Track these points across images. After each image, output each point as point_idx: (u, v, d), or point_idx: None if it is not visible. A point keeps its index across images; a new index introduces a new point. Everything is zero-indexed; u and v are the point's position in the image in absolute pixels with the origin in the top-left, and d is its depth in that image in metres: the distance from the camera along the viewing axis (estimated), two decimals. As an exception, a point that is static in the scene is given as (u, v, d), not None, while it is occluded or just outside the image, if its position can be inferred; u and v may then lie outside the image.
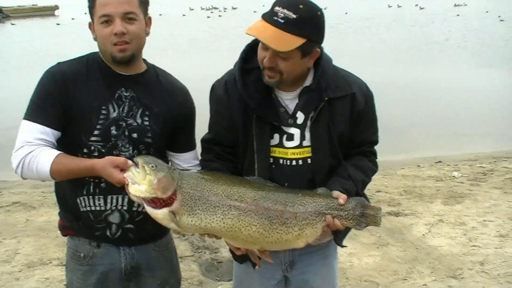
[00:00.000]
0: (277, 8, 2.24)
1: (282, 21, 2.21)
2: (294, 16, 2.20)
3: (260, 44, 2.31)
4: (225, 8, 50.56)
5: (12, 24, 38.51)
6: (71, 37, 26.48)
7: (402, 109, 12.33)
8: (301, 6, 2.22)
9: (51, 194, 2.61)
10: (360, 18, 38.19)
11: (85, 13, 2.45)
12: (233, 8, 50.30)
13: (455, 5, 49.91)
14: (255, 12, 43.05)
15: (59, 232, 2.62)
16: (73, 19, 38.68)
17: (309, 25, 2.25)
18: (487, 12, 39.57)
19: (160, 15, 37.99)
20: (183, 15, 41.11)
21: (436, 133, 10.88)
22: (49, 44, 25.14)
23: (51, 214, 5.99)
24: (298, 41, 2.24)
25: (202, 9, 50.06)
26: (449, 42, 25.64)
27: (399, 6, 48.60)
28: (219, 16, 42.99)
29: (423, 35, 28.16)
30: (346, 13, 41.50)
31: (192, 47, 24.52)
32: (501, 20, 34.48)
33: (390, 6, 49.37)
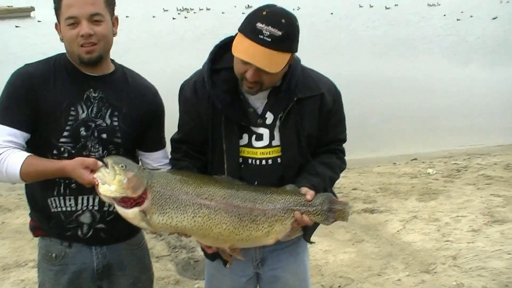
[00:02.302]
0: (260, 25, 2.22)
1: (269, 39, 2.20)
2: (280, 33, 2.20)
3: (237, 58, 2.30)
4: (201, 9, 50.42)
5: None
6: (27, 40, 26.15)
7: (378, 106, 12.46)
8: (283, 21, 2.23)
9: (25, 192, 2.62)
10: (342, 17, 38.45)
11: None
12: (207, 9, 50.16)
13: (428, 5, 50.38)
14: (223, 13, 43.09)
15: (33, 233, 2.62)
16: (39, 21, 38.30)
17: (292, 39, 2.28)
18: (462, 12, 40.03)
19: (127, 17, 37.76)
20: (153, 16, 40.59)
21: (411, 131, 11.01)
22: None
23: (27, 217, 5.86)
24: (286, 58, 2.27)
25: (178, 9, 49.72)
26: (425, 40, 25.91)
27: (371, 6, 48.93)
28: (185, 17, 42.49)
29: (399, 33, 28.42)
30: (332, 14, 41.70)
31: (162, 47, 24.46)
32: (457, 20, 34.83)
33: (362, 6, 49.65)
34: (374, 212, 6.31)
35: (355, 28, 32.18)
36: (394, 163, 8.71)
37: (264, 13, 2.25)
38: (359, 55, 21.05)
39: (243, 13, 36.09)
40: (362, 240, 5.57)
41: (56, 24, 2.41)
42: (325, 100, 2.51)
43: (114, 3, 2.45)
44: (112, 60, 2.54)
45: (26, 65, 2.44)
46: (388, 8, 46.56)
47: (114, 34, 2.46)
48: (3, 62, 18.61)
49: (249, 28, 2.25)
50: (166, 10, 48.81)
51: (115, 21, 2.46)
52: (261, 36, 2.20)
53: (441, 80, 16.07)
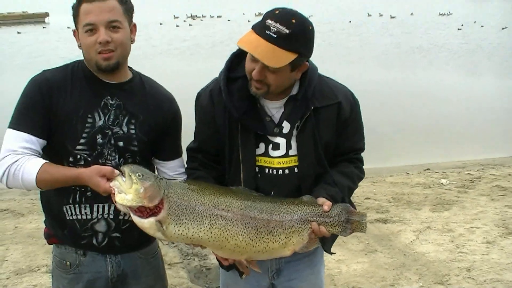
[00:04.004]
0: (269, 21, 2.23)
1: (275, 35, 2.20)
2: (287, 31, 2.20)
3: (248, 55, 2.30)
4: (212, 16, 50.26)
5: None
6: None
7: (391, 116, 12.40)
8: (293, 21, 2.23)
9: (40, 199, 2.61)
10: (353, 26, 38.39)
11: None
12: (218, 17, 49.92)
13: (439, 14, 50.15)
14: (229, 21, 43.01)
15: (46, 239, 2.62)
16: (44, 27, 38.48)
17: (300, 41, 2.26)
18: (474, 22, 39.85)
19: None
20: (160, 23, 40.07)
21: (424, 141, 10.94)
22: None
23: (40, 221, 5.97)
24: (290, 57, 2.25)
25: (188, 17, 49.45)
26: (438, 50, 25.81)
27: (380, 15, 48.71)
28: (189, 25, 41.80)
29: (410, 43, 28.32)
30: (350, 22, 41.59)
31: (174, 55, 24.45)
32: (467, 29, 34.59)
33: (370, 15, 49.40)
34: (387, 222, 6.26)
35: (367, 36, 32.09)
36: (407, 173, 8.65)
37: (277, 12, 2.27)
38: (371, 64, 21.00)
39: (248, 21, 36.00)
40: (375, 250, 5.53)
41: (74, 31, 2.41)
42: (342, 108, 2.49)
43: (133, 10, 2.45)
44: (130, 68, 2.53)
45: (44, 71, 2.44)
46: (393, 17, 46.34)
47: (132, 41, 2.45)
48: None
49: (259, 24, 2.28)
50: (177, 17, 48.54)
51: (133, 28, 2.45)
52: (268, 32, 2.22)
53: (455, 90, 15.99)
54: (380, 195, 7.35)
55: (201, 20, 47.75)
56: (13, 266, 5.10)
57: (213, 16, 50.32)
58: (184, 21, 45.36)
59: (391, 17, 46.57)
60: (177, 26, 39.97)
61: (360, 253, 5.46)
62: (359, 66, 20.19)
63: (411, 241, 5.74)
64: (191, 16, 50.21)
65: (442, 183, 7.89)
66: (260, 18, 2.36)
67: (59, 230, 2.49)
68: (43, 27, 38.86)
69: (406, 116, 12.61)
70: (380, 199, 7.14)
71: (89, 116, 2.38)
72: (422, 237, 5.85)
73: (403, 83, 16.76)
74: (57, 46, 25.62)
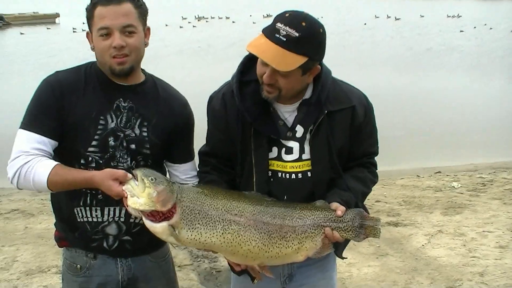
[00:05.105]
0: (279, 24, 2.21)
1: (284, 39, 2.18)
2: (297, 34, 2.17)
3: (259, 59, 2.28)
4: (220, 17, 49.95)
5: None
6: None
7: (401, 119, 12.31)
8: (303, 24, 2.20)
9: (50, 201, 2.60)
10: (364, 28, 38.25)
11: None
12: (227, 18, 49.55)
13: (447, 16, 49.85)
14: (233, 22, 42.86)
15: (57, 241, 2.61)
16: (48, 28, 38.59)
17: (311, 44, 2.23)
18: (485, 24, 39.60)
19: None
20: (166, 25, 39.79)
21: (435, 144, 10.86)
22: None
23: (50, 222, 5.98)
24: (300, 60, 2.22)
25: (196, 18, 49.04)
26: (449, 53, 25.69)
27: (388, 17, 48.43)
28: (193, 26, 41.34)
29: (422, 45, 28.18)
30: (365, 24, 41.40)
31: (184, 56, 24.36)
32: (477, 32, 34.40)
33: (378, 17, 49.05)
34: (398, 226, 6.22)
35: (376, 39, 31.96)
36: (418, 176, 8.61)
37: (287, 15, 2.24)
38: (381, 67, 20.90)
39: (254, 22, 35.80)
40: (386, 253, 5.49)
41: (87, 33, 2.39)
42: (356, 112, 2.46)
43: (147, 13, 2.43)
44: (143, 70, 2.52)
45: (56, 72, 2.43)
46: (398, 19, 46.05)
47: (146, 44, 2.43)
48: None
49: (269, 27, 2.25)
50: (185, 18, 48.11)
51: (147, 31, 2.44)
52: (277, 35, 2.19)
53: (466, 93, 15.92)
54: (391, 198, 7.30)
55: (206, 21, 47.42)
56: (23, 266, 5.11)
57: (221, 18, 50.02)
58: (189, 22, 44.97)
59: (396, 19, 46.27)
60: (180, 27, 39.64)
61: (371, 257, 5.42)
62: (370, 69, 20.09)
63: (423, 245, 5.70)
64: (198, 17, 49.86)
65: (453, 187, 7.84)
66: (268, 19, 2.34)
67: (70, 233, 2.48)
68: (47, 28, 38.92)
69: (416, 119, 12.53)
70: (391, 202, 7.10)
71: (101, 118, 2.37)
72: (433, 241, 5.81)
73: (414, 86, 16.66)
74: (68, 47, 25.67)
